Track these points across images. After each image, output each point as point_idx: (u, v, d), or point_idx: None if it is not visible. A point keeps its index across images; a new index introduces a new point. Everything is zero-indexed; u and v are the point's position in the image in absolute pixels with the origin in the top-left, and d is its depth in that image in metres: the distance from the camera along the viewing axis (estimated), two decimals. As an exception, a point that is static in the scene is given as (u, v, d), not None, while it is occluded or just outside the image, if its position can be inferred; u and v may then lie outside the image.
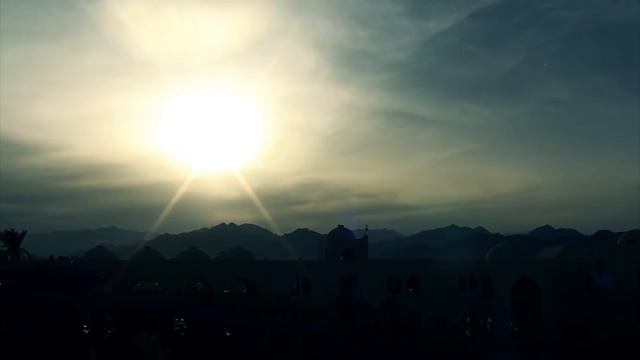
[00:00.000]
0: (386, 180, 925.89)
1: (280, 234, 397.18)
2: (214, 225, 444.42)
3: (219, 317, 58.02)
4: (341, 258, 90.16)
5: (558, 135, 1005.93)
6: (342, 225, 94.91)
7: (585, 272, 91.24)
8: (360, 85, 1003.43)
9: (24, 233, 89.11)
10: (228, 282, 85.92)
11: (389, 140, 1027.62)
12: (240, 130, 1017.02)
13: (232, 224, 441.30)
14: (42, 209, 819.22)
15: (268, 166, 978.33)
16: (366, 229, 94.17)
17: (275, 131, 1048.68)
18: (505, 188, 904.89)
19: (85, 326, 50.00)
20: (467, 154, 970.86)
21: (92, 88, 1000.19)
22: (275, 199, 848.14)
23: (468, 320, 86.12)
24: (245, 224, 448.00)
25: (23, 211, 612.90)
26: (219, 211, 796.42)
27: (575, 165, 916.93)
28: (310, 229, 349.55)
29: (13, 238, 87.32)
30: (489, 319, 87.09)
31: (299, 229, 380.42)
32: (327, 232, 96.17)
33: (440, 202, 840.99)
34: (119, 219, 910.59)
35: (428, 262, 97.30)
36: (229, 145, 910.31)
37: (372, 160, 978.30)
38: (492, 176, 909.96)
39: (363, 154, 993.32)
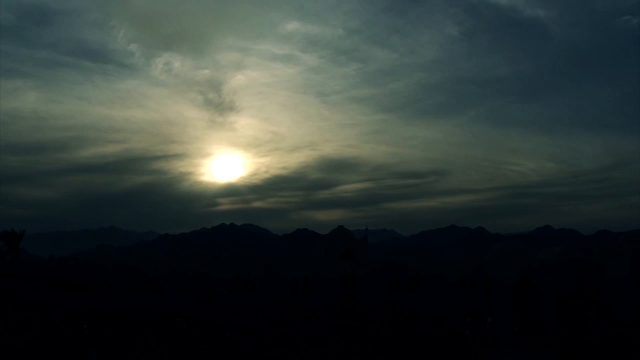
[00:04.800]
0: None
1: (280, 234, 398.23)
2: (214, 225, 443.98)
3: (219, 317, 58.01)
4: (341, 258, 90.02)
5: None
6: (342, 225, 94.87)
7: (585, 272, 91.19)
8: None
9: (23, 233, 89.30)
10: (228, 282, 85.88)
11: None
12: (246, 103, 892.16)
13: (232, 224, 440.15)
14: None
15: (279, 142, 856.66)
16: (366, 230, 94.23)
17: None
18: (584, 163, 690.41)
19: (85, 326, 49.96)
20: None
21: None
22: (286, 183, 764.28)
23: (468, 320, 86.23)
24: (245, 224, 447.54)
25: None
26: (221, 203, 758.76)
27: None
28: (310, 229, 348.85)
29: (13, 238, 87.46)
30: (489, 319, 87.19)
31: (298, 229, 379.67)
32: (328, 231, 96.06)
33: (499, 184, 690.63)
34: (119, 219, 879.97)
35: (428, 262, 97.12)
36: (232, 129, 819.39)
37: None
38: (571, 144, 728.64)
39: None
